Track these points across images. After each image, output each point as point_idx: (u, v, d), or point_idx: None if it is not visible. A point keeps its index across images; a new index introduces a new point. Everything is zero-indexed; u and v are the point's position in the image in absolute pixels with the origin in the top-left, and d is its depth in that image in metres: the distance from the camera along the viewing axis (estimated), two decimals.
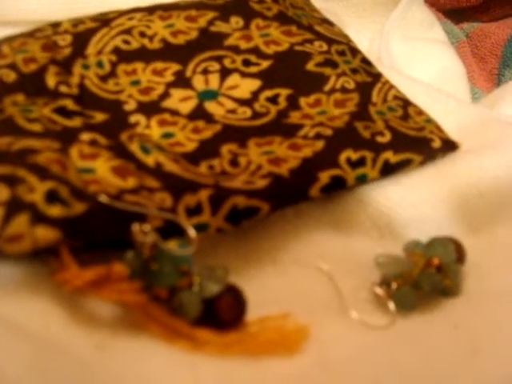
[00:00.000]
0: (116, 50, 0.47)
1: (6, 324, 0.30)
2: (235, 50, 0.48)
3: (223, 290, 0.34)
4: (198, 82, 0.46)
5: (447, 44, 0.63)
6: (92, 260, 0.33)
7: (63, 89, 0.42)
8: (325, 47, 0.50)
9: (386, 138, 0.43)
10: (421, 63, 0.58)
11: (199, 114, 0.43)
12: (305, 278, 0.39)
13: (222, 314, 0.34)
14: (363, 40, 0.58)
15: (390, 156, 0.42)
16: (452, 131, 0.46)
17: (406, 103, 0.47)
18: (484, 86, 0.65)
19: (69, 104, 0.42)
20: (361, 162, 0.41)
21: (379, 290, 0.37)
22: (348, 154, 0.41)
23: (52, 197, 0.33)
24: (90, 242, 0.34)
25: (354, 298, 0.38)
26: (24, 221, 0.32)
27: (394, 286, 0.37)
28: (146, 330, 0.33)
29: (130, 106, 0.43)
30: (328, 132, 0.42)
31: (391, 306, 0.37)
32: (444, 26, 0.67)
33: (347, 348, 0.35)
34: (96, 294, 0.33)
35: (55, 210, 0.33)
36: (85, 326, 0.33)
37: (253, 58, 0.48)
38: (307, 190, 0.39)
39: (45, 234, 0.32)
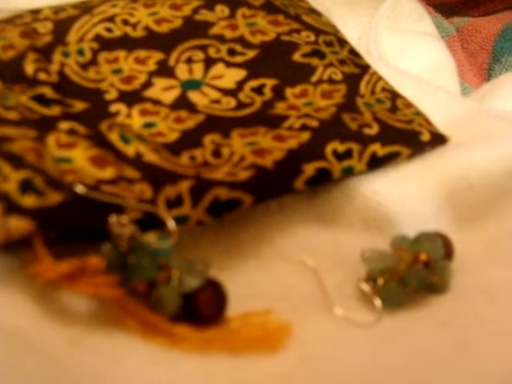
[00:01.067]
0: (98, 38, 0.45)
1: None
2: (220, 39, 0.47)
3: (203, 284, 0.33)
4: (182, 72, 0.44)
5: (437, 37, 0.62)
6: (67, 252, 0.32)
7: (42, 76, 0.41)
8: (312, 37, 0.48)
9: (373, 130, 0.42)
10: (410, 56, 0.57)
11: (182, 103, 0.42)
12: (289, 272, 0.38)
13: (202, 308, 0.33)
14: (353, 33, 0.57)
15: (378, 148, 0.41)
16: (441, 124, 0.45)
17: (394, 95, 0.46)
18: (474, 81, 0.65)
19: (47, 92, 0.40)
20: (347, 154, 0.40)
21: (365, 286, 0.36)
22: (334, 146, 0.40)
23: (26, 186, 0.32)
24: (65, 233, 0.33)
25: (339, 294, 0.37)
26: None
27: (381, 281, 0.36)
28: (123, 326, 0.32)
29: (111, 94, 0.42)
30: (314, 123, 0.41)
31: (377, 302, 0.36)
32: (434, 20, 0.66)
33: (331, 345, 0.34)
34: (70, 288, 0.31)
35: (29, 200, 0.32)
36: (58, 321, 0.32)
37: (238, 48, 0.46)
38: (292, 183, 0.38)
39: (18, 225, 0.31)
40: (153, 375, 0.31)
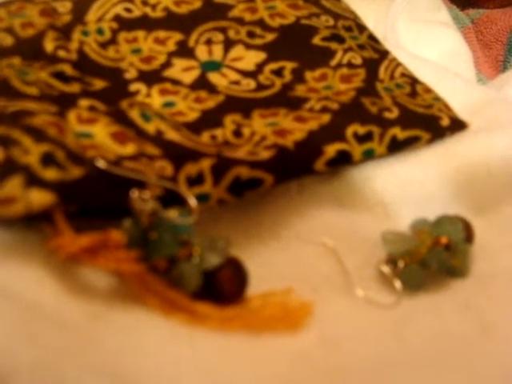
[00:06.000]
0: (117, 18, 0.45)
1: None
2: (240, 21, 0.47)
3: (224, 262, 0.33)
4: (201, 53, 0.44)
5: (453, 27, 0.62)
6: (88, 227, 0.32)
7: (61, 53, 0.41)
8: (331, 22, 0.48)
9: (393, 114, 0.42)
10: (427, 45, 0.57)
11: (202, 84, 0.42)
12: (309, 254, 0.38)
13: (223, 286, 0.33)
14: (368, 22, 0.57)
15: (398, 132, 0.41)
16: (460, 110, 0.45)
17: (413, 81, 0.46)
18: (489, 73, 0.64)
19: (67, 69, 0.40)
20: (368, 137, 0.40)
21: (385, 268, 0.36)
22: (355, 128, 0.40)
23: (48, 160, 0.32)
24: (86, 207, 0.32)
25: (359, 276, 0.36)
26: (18, 183, 0.30)
27: (401, 264, 0.36)
28: (143, 302, 0.32)
29: (131, 74, 0.42)
30: (334, 106, 0.41)
31: (397, 284, 0.36)
32: (450, 11, 0.65)
33: (351, 325, 0.33)
34: (91, 262, 0.31)
35: (51, 173, 0.31)
36: (79, 296, 0.31)
37: (257, 31, 0.46)
38: (312, 163, 0.38)
39: (39, 198, 0.30)
40: (173, 351, 0.30)
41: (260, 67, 0.44)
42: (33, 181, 0.31)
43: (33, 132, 0.33)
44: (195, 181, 0.35)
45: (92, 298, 0.32)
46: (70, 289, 0.31)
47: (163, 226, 0.32)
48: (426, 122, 0.42)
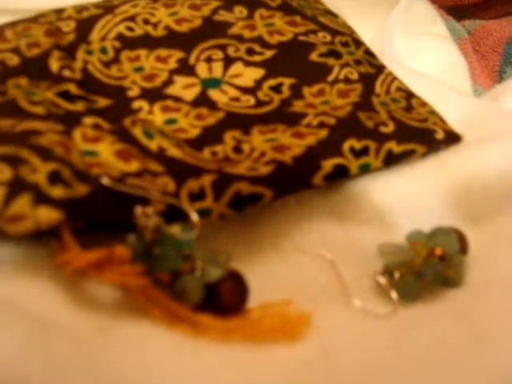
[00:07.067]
0: (120, 37, 0.46)
1: (5, 303, 0.30)
2: (239, 38, 0.48)
3: (225, 275, 0.34)
4: (202, 70, 0.45)
5: (449, 39, 0.63)
6: (94, 243, 0.33)
7: (66, 73, 0.42)
8: (328, 38, 0.49)
9: (389, 128, 0.43)
10: (423, 57, 0.58)
11: (203, 101, 0.43)
12: (307, 265, 0.39)
13: (224, 298, 0.34)
14: (365, 35, 0.58)
15: (394, 146, 0.42)
16: (455, 123, 0.45)
17: (409, 95, 0.47)
18: (485, 84, 0.65)
19: (72, 88, 0.41)
20: (364, 151, 0.41)
21: (381, 279, 0.37)
22: (351, 143, 0.41)
23: (55, 178, 0.33)
24: (92, 223, 0.34)
25: (357, 287, 0.37)
26: (26, 201, 0.31)
27: (397, 275, 0.37)
28: (148, 314, 0.33)
29: (134, 92, 0.43)
30: (331, 121, 0.42)
31: (394, 295, 0.37)
32: (446, 22, 0.66)
33: (349, 335, 0.34)
34: (97, 277, 0.32)
35: (58, 191, 0.32)
36: (85, 309, 0.32)
37: (256, 47, 0.47)
38: (310, 178, 0.39)
39: (47, 215, 0.32)
40: (177, 362, 0.31)
41: (259, 84, 0.45)
42: (41, 199, 0.32)
43: (40, 151, 0.34)
44: (197, 196, 0.36)
45: (98, 311, 0.33)
46: (77, 302, 0.32)
47: (166, 240, 0.33)
48: (421, 135, 0.43)
